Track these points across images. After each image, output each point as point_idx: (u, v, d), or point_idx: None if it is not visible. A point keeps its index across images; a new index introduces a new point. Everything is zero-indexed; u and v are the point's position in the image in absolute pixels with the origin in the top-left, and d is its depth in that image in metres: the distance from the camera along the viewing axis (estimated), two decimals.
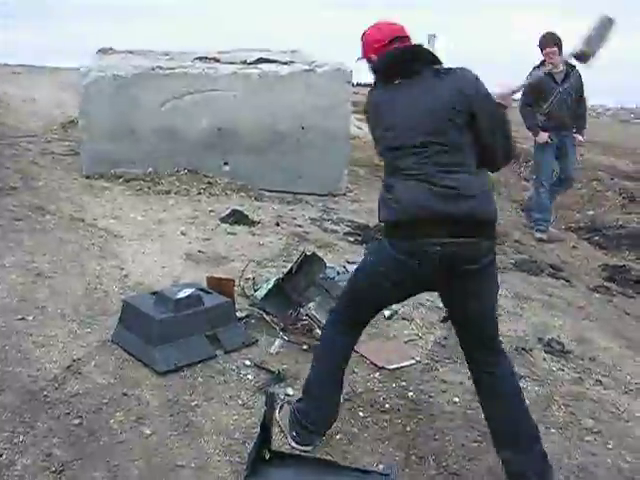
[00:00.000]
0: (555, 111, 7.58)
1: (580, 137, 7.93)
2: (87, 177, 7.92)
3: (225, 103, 8.37)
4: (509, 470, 3.13)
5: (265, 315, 4.30)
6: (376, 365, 4.23)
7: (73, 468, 2.95)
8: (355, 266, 5.58)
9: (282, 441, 3.34)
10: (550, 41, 7.31)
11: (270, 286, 4.56)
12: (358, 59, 3.34)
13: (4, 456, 2.96)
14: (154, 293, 4.25)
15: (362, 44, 3.26)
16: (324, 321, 4.15)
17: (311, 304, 4.46)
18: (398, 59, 3.10)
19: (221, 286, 4.49)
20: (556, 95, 7.50)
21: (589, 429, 3.82)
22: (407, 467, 3.28)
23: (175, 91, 8.22)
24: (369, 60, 3.22)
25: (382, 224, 3.16)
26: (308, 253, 4.41)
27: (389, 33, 3.17)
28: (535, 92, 7.52)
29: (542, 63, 7.50)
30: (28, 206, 6.50)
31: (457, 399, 3.94)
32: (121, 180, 7.89)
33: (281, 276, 4.62)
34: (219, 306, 4.25)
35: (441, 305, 5.20)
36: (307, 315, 4.39)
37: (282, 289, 4.61)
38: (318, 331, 4.22)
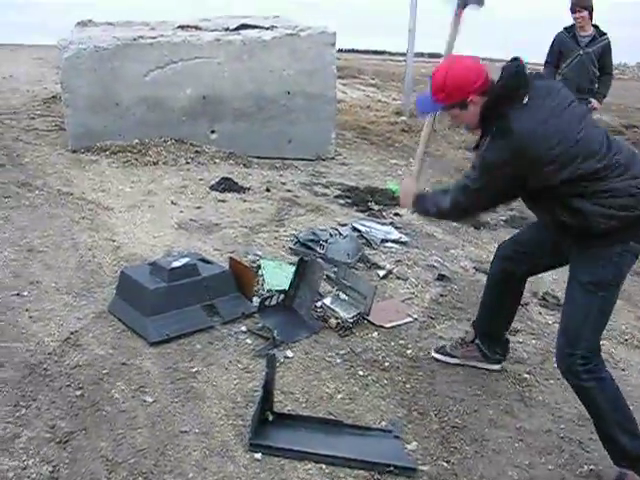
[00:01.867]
0: (572, 73, 7.38)
1: (596, 102, 7.51)
2: (73, 151, 7.85)
3: (209, 71, 8.28)
4: (505, 350, 3.84)
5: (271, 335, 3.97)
6: (374, 324, 4.25)
7: (77, 438, 2.96)
8: (346, 228, 5.61)
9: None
10: (580, 4, 7.23)
11: (273, 303, 4.24)
12: (441, 109, 3.13)
13: (8, 429, 2.96)
14: (151, 264, 4.22)
15: (451, 92, 2.96)
16: (340, 312, 4.19)
17: (327, 298, 4.36)
18: (521, 75, 2.93)
19: (240, 272, 4.33)
20: (575, 57, 7.33)
21: None
22: (409, 423, 3.30)
23: (158, 61, 8.12)
24: (466, 103, 2.97)
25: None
26: (306, 259, 4.26)
27: (479, 68, 2.99)
28: (556, 51, 7.47)
29: (572, 26, 7.41)
30: (15, 183, 6.45)
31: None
32: (108, 153, 7.82)
33: (282, 296, 4.29)
34: (217, 276, 4.22)
35: (435, 264, 5.26)
36: (322, 306, 4.29)
37: (287, 308, 4.26)
38: (333, 320, 4.16)
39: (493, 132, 2.90)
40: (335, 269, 4.61)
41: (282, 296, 4.26)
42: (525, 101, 2.86)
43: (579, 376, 2.95)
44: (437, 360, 3.88)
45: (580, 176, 2.81)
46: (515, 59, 2.97)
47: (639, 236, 2.89)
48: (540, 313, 4.71)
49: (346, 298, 4.30)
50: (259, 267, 4.80)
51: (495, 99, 2.90)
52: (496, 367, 3.83)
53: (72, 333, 3.82)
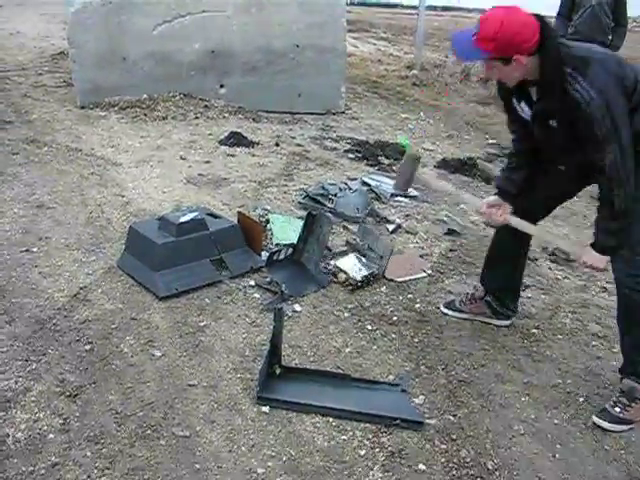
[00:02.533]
0: (585, 25, 7.16)
1: None
2: (82, 107, 7.80)
3: (217, 24, 8.19)
4: (516, 305, 3.85)
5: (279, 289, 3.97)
6: (385, 277, 4.25)
7: (87, 392, 2.99)
8: (356, 182, 5.59)
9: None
10: None
11: (282, 257, 4.23)
12: (482, 59, 2.95)
13: (19, 383, 2.99)
14: (160, 218, 4.21)
15: (502, 45, 2.78)
16: (351, 272, 4.17)
17: (341, 259, 4.32)
18: None
19: (248, 227, 4.33)
20: (588, 8, 7.08)
21: (595, 334, 3.87)
22: (417, 377, 3.32)
23: (165, 14, 8.02)
24: (511, 59, 2.82)
25: None
26: (314, 212, 4.22)
27: (534, 26, 2.80)
28: (569, 2, 7.25)
29: None
30: (24, 139, 6.42)
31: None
32: (116, 108, 7.77)
33: (290, 250, 4.28)
34: (225, 230, 4.21)
35: (445, 218, 5.24)
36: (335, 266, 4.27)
37: (295, 262, 4.27)
38: (342, 275, 4.16)
39: (574, 76, 2.76)
40: (345, 223, 4.60)
41: (290, 250, 4.26)
42: None
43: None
44: (445, 315, 3.88)
45: None
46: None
47: None
48: (550, 269, 4.69)
49: (362, 259, 4.29)
50: (268, 221, 4.79)
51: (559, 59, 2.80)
52: (505, 323, 3.83)
53: (81, 288, 3.84)
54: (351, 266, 4.20)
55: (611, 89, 2.73)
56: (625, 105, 2.79)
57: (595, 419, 3.12)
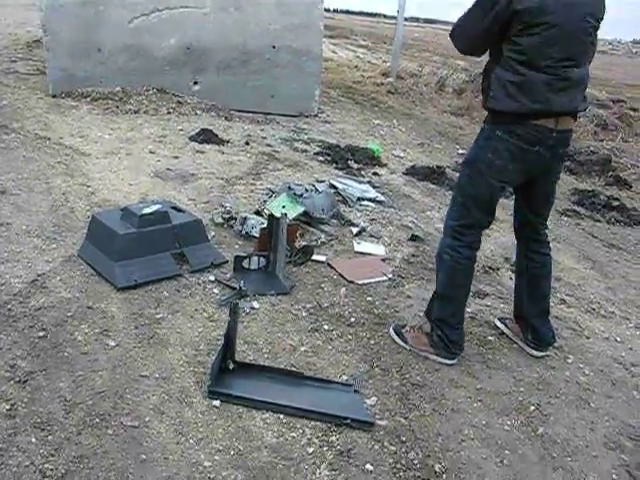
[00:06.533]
0: None
1: None
2: (53, 96, 7.74)
3: (194, 21, 8.18)
4: (535, 337, 3.76)
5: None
6: (346, 279, 4.26)
7: (37, 378, 2.95)
8: (323, 184, 5.61)
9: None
10: None
11: (253, 267, 4.18)
12: None
13: None
14: (123, 209, 4.18)
15: None
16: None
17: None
18: None
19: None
20: None
21: (550, 344, 3.89)
22: (371, 378, 3.32)
23: (143, 8, 8.01)
24: None
25: None
26: (277, 215, 4.19)
27: None
28: None
29: None
30: None
31: (422, 313, 3.96)
32: (88, 99, 7.74)
33: (263, 261, 4.21)
34: (188, 224, 4.20)
35: (410, 224, 5.26)
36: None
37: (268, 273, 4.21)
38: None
39: None
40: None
41: (264, 261, 4.21)
42: None
43: None
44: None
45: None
46: None
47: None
48: (510, 278, 4.72)
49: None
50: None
51: None
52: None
53: (39, 275, 3.80)
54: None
55: None
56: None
57: (390, 328, 3.72)
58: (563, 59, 3.03)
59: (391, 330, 3.71)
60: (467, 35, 3.23)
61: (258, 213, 4.89)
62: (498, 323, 4.00)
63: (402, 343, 3.62)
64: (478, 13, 3.09)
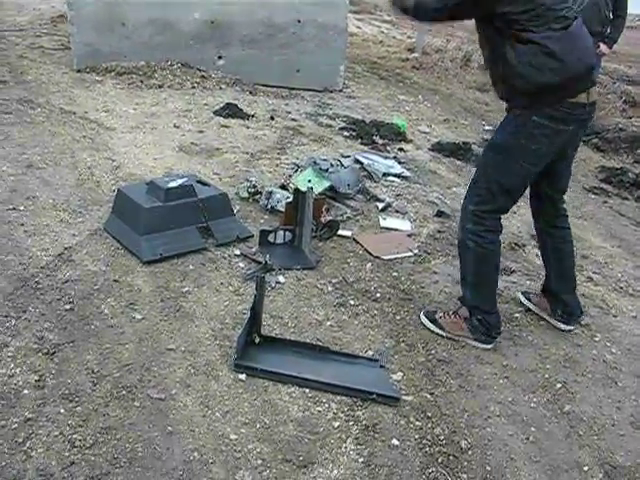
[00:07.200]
0: (584, 15, 7.07)
1: (604, 47, 7.25)
2: (78, 71, 7.74)
3: None
4: (565, 311, 3.73)
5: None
6: (371, 255, 4.24)
7: (65, 350, 2.98)
8: (349, 159, 5.59)
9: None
10: None
11: (279, 241, 4.22)
12: None
13: None
14: (149, 183, 4.17)
15: None
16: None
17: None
18: None
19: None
20: None
21: (577, 322, 3.86)
22: (396, 354, 3.31)
23: None
24: None
25: None
26: (303, 189, 4.19)
27: None
28: None
29: None
30: (17, 100, 6.37)
31: (447, 289, 3.96)
32: (113, 74, 7.73)
33: (289, 235, 4.25)
34: (214, 198, 4.19)
35: (436, 200, 5.23)
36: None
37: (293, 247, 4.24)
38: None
39: None
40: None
41: (289, 235, 4.22)
42: None
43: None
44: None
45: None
46: None
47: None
48: (537, 255, 4.67)
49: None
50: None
51: None
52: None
53: (66, 249, 3.82)
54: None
55: None
56: None
57: (421, 315, 3.63)
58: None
59: (423, 317, 3.61)
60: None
61: (284, 187, 4.87)
62: (522, 298, 3.96)
63: (438, 330, 3.53)
64: None
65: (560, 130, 3.11)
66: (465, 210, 3.35)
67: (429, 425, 2.87)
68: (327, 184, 4.79)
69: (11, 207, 4.20)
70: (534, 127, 3.09)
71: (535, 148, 3.14)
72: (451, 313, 3.57)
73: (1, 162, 4.85)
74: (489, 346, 3.49)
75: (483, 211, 3.29)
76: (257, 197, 4.75)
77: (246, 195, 4.76)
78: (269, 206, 4.61)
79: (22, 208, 4.21)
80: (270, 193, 4.62)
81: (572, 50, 2.97)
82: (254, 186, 4.80)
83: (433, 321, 3.56)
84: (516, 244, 4.75)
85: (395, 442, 2.74)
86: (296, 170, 5.19)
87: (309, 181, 4.69)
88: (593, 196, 6.39)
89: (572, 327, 3.75)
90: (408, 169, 5.91)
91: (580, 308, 3.79)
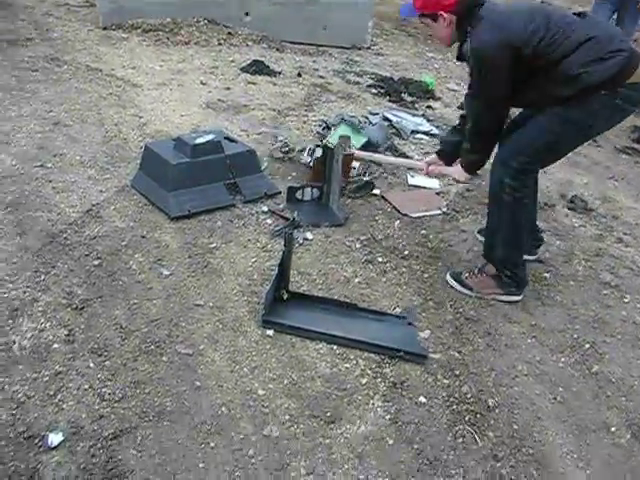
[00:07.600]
0: None
1: None
2: (104, 28, 7.68)
3: None
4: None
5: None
6: (400, 212, 4.22)
7: (93, 305, 3.00)
8: (377, 116, 5.52)
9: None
10: None
11: (306, 198, 4.20)
12: (418, 16, 3.28)
13: (27, 294, 3.00)
14: (176, 139, 4.15)
15: (425, 2, 3.18)
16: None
17: None
18: None
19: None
20: None
21: (607, 283, 3.82)
22: (424, 312, 3.30)
23: None
24: (436, 16, 3.18)
25: None
26: (331, 145, 4.10)
27: None
28: None
29: None
30: (44, 57, 6.34)
31: (476, 248, 3.92)
32: (139, 30, 7.66)
33: (317, 192, 4.23)
34: (241, 154, 4.17)
35: None
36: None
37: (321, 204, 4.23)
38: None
39: (470, 33, 3.06)
40: None
41: (317, 192, 4.20)
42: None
43: None
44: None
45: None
46: None
47: None
48: (567, 215, 4.62)
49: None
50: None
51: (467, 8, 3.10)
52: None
53: (94, 205, 3.83)
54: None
55: (489, 48, 2.99)
56: (505, 62, 2.99)
57: (447, 277, 3.60)
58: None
59: (449, 278, 3.59)
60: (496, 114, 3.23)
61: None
62: (479, 237, 4.00)
63: (466, 291, 3.51)
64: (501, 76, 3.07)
65: (625, 109, 3.11)
66: (505, 165, 3.24)
67: (456, 383, 2.86)
68: (364, 140, 4.75)
69: (39, 164, 4.20)
70: (611, 109, 3.07)
71: (600, 124, 3.18)
72: (477, 271, 3.56)
73: (28, 119, 4.85)
74: (519, 298, 3.49)
75: (525, 168, 3.22)
76: (291, 155, 4.72)
77: (280, 155, 4.72)
78: (311, 163, 4.53)
79: (50, 165, 4.22)
80: (313, 150, 4.54)
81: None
82: (286, 144, 4.76)
83: (460, 282, 3.54)
84: (546, 204, 4.69)
85: (422, 400, 2.74)
86: (324, 128, 5.14)
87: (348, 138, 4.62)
88: (625, 156, 6.26)
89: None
90: (437, 127, 5.84)
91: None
